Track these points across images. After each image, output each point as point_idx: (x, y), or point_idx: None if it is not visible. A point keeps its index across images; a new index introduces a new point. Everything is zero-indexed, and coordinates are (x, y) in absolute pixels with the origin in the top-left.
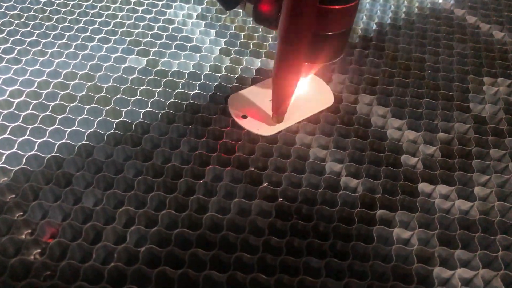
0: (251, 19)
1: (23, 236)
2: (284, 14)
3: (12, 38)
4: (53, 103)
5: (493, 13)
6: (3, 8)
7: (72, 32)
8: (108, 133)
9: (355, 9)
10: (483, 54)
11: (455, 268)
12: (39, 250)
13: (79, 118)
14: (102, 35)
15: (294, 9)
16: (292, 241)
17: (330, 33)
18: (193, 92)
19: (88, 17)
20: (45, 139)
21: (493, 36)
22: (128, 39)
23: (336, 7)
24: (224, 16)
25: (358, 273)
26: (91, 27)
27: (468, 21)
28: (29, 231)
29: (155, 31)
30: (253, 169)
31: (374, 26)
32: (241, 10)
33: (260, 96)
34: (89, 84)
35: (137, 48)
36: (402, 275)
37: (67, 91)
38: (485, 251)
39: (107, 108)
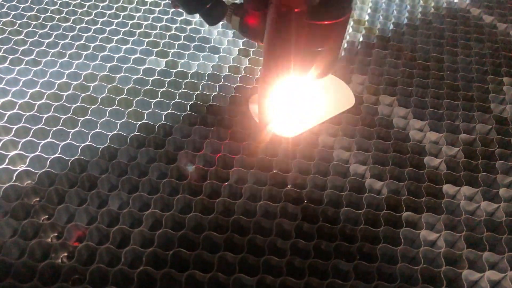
0: (238, 31)
1: (50, 240)
2: (268, 29)
3: (30, 40)
4: (74, 105)
5: (509, 13)
6: (20, 9)
7: (90, 33)
8: (131, 135)
9: (345, 24)
10: (502, 54)
11: (484, 270)
12: (66, 254)
13: (101, 120)
14: (120, 36)
15: (279, 24)
16: (320, 243)
17: (319, 49)
18: (213, 94)
19: (105, 18)
20: (68, 141)
21: (510, 36)
22: (146, 40)
23: (325, 22)
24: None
25: (386, 276)
26: (108, 28)
27: (484, 20)
28: (56, 234)
29: (172, 32)
30: (276, 171)
31: (391, 26)
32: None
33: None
34: (110, 86)
35: (156, 49)
36: (431, 277)
37: (88, 93)
38: None
39: (128, 110)
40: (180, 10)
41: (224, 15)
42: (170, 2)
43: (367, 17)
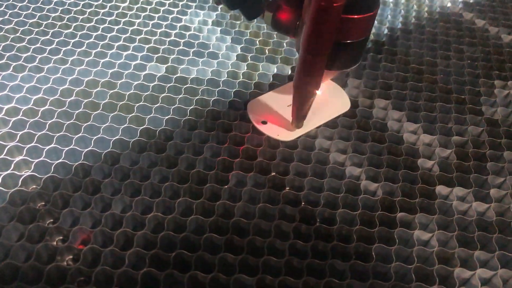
0: (264, 25)
1: (55, 243)
2: (308, 23)
3: (33, 47)
4: (77, 111)
5: (501, 16)
6: (22, 16)
7: (91, 40)
8: (132, 140)
9: (373, 18)
10: (493, 58)
11: (475, 268)
12: (71, 256)
13: (104, 125)
14: (120, 42)
15: (319, 19)
16: (317, 244)
17: (349, 41)
18: (212, 99)
19: (106, 24)
20: (71, 147)
21: (502, 39)
22: (147, 46)
23: (356, 16)
24: (239, 22)
25: (381, 275)
26: (109, 35)
27: (477, 24)
28: (61, 237)
29: (172, 38)
30: (274, 174)
31: (386, 31)
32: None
33: (278, 101)
34: (111, 91)
35: (156, 55)
36: (424, 276)
37: (90, 99)
38: (503, 252)
39: (130, 115)
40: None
41: (262, 11)
42: None
43: None
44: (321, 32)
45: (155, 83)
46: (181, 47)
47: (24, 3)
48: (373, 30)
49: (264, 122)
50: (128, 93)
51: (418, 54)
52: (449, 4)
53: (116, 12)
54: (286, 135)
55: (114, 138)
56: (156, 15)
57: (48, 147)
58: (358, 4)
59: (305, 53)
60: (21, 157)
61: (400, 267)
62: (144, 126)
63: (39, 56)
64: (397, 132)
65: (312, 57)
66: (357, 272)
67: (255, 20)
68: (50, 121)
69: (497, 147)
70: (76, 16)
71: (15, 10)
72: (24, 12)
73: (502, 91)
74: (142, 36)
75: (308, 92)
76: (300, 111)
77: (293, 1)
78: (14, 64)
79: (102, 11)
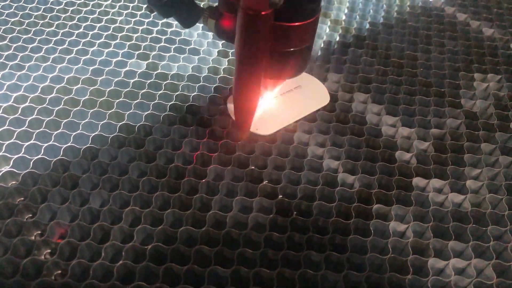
0: (214, 33)
1: (33, 237)
2: (238, 32)
3: (14, 45)
4: (57, 108)
5: (482, 10)
6: (4, 15)
7: (73, 38)
8: (112, 135)
9: (314, 25)
10: (473, 51)
11: (449, 258)
12: (49, 250)
13: (83, 122)
14: (102, 40)
15: (247, 28)
16: (293, 236)
17: (291, 49)
18: (193, 94)
19: (88, 22)
20: (51, 143)
21: (483, 33)
22: (128, 43)
23: (295, 24)
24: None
25: (356, 266)
26: (91, 32)
27: (458, 18)
28: (39, 232)
29: (154, 35)
30: (253, 167)
31: (367, 26)
32: (204, 25)
33: None
34: (92, 88)
35: (137, 52)
36: (399, 267)
37: (70, 96)
38: (477, 242)
39: (110, 111)
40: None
41: (199, 19)
42: (146, 6)
43: (344, 17)
44: (251, 41)
45: (136, 79)
46: (162, 44)
47: (7, 2)
48: (355, 25)
49: None
50: (108, 89)
51: (399, 48)
52: None
53: (99, 10)
54: (265, 129)
55: (94, 134)
56: (139, 13)
57: (27, 143)
58: (295, 11)
59: (238, 64)
60: (0, 153)
61: (375, 258)
62: (123, 122)
63: (21, 54)
64: (376, 125)
65: (245, 66)
66: (332, 263)
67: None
68: (30, 118)
69: (475, 139)
70: (59, 14)
71: None
72: (6, 11)
73: (482, 84)
74: (124, 33)
75: (248, 102)
76: (243, 121)
77: (234, 8)
78: None
79: (84, 9)
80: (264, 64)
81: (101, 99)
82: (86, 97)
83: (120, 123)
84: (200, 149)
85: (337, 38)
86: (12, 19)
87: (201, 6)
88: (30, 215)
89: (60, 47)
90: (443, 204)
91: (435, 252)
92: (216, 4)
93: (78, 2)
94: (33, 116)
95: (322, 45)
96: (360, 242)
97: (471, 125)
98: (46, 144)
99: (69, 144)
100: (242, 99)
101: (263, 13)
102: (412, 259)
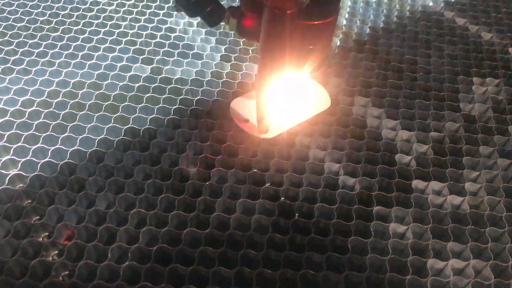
0: (236, 32)
1: (41, 239)
2: (263, 31)
3: (21, 50)
4: (63, 112)
5: (481, 15)
6: (11, 20)
7: (78, 42)
8: (117, 139)
9: (334, 23)
10: (472, 55)
11: (448, 259)
12: (56, 252)
13: (89, 125)
14: (107, 44)
15: (273, 25)
16: (295, 237)
17: (311, 47)
18: (196, 98)
19: (93, 27)
20: (57, 146)
21: (481, 37)
22: (132, 48)
23: (316, 22)
24: (223, 23)
25: (357, 266)
26: (96, 37)
27: (457, 23)
28: (47, 233)
29: (157, 39)
30: (256, 170)
31: (368, 30)
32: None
33: None
34: (97, 92)
35: (141, 57)
36: (398, 267)
37: (76, 100)
38: (476, 243)
39: (115, 115)
40: (183, 13)
41: (223, 18)
42: (174, 6)
43: (344, 22)
44: (276, 39)
45: (140, 83)
46: (166, 49)
47: (13, 7)
48: (356, 30)
49: (246, 121)
50: (113, 93)
51: (399, 52)
52: (430, 3)
53: (103, 15)
54: (267, 133)
55: (99, 138)
56: (142, 18)
57: (34, 147)
58: (318, 11)
59: (262, 59)
60: (8, 157)
61: (375, 258)
62: (128, 126)
63: (27, 59)
64: (376, 128)
65: (270, 62)
66: (333, 263)
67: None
68: (37, 122)
69: (473, 142)
70: (64, 19)
71: (4, 15)
72: (13, 16)
73: (480, 87)
74: (128, 38)
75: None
76: (262, 117)
77: (256, 7)
78: (2, 67)
79: (89, 14)
80: (286, 61)
81: (107, 103)
82: (92, 101)
83: (125, 127)
84: (204, 152)
85: (338, 43)
86: (19, 24)
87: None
88: (38, 217)
89: (65, 52)
90: (442, 206)
91: (434, 253)
92: (237, 4)
93: (83, 7)
94: (40, 120)
95: None
96: (360, 244)
97: (470, 128)
98: (53, 148)
99: (75, 147)
100: (265, 95)
101: (288, 11)
102: (411, 260)
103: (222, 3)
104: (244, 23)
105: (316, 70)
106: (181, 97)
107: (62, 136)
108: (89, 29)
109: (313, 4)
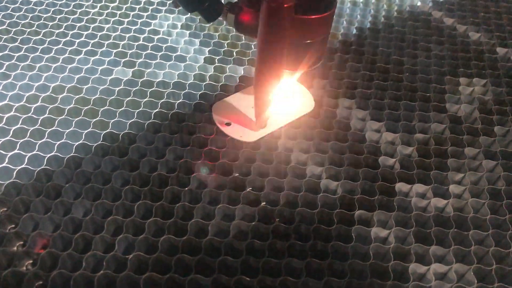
0: (234, 28)
1: (15, 248)
2: (261, 24)
3: (0, 54)
4: (42, 117)
5: (469, 15)
6: None
7: (60, 46)
8: (95, 144)
9: (331, 17)
10: (460, 55)
11: (430, 263)
12: (31, 261)
13: (67, 130)
14: (89, 47)
15: (271, 20)
16: (274, 243)
17: (309, 41)
18: (178, 102)
19: (75, 30)
20: (34, 152)
21: (469, 37)
22: (114, 51)
23: (313, 16)
24: (208, 25)
25: (338, 272)
26: (77, 40)
27: (445, 23)
28: (21, 243)
29: (140, 42)
30: (237, 174)
31: (354, 31)
32: (223, 20)
33: (243, 102)
34: (77, 97)
35: (123, 60)
36: (380, 272)
37: (55, 105)
38: (459, 246)
39: (94, 120)
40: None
41: (221, 13)
42: (172, 1)
43: None
44: (273, 33)
45: (121, 87)
46: (148, 51)
47: None
48: (342, 31)
49: (228, 124)
50: (93, 97)
51: (386, 53)
52: (419, 3)
53: (86, 17)
54: (249, 136)
55: (77, 143)
56: (126, 20)
57: (11, 153)
58: (314, 5)
59: (260, 54)
60: None
61: (356, 264)
62: (107, 130)
63: (7, 63)
64: (360, 131)
65: (267, 57)
66: (313, 269)
67: (224, 22)
68: (14, 127)
69: (459, 144)
70: (46, 22)
71: None
72: None
73: (467, 88)
74: (111, 41)
75: (268, 91)
76: (262, 111)
77: (254, 2)
78: None
79: (72, 17)
80: (284, 55)
81: (86, 107)
82: (71, 105)
83: (104, 132)
84: (184, 157)
85: None
86: (0, 27)
87: (222, 1)
88: (13, 226)
89: (46, 56)
90: (426, 209)
91: (416, 258)
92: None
93: (66, 9)
94: (18, 126)
95: None
96: (341, 248)
97: (456, 129)
98: (29, 154)
99: (53, 153)
100: (263, 90)
101: (285, 5)
102: (393, 265)
103: None
104: (242, 18)
105: (312, 66)
106: (163, 100)
107: (40, 142)
108: (71, 32)
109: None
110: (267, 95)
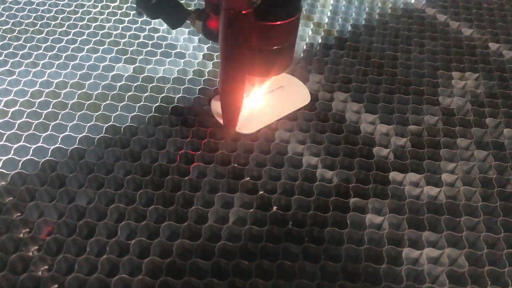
0: (202, 34)
1: (21, 235)
2: (221, 31)
3: (5, 52)
4: (46, 111)
5: (462, 11)
6: None
7: (62, 44)
8: (98, 136)
9: (296, 23)
10: (452, 50)
11: (423, 248)
12: (36, 247)
13: (71, 124)
14: (90, 45)
15: (230, 27)
16: (272, 229)
17: (275, 47)
18: (177, 96)
19: (77, 29)
20: (39, 144)
21: (462, 33)
22: (116, 48)
23: (277, 23)
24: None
25: (333, 257)
26: (80, 38)
27: (438, 19)
28: (27, 229)
29: (141, 39)
30: (235, 165)
31: (349, 28)
32: (192, 26)
33: None
34: (80, 92)
35: (124, 57)
36: (374, 257)
37: (59, 99)
38: (451, 232)
39: (97, 113)
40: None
41: (185, 20)
42: (135, 8)
43: (327, 20)
44: (233, 39)
45: (122, 82)
46: (149, 48)
47: None
48: (337, 28)
49: None
50: (95, 92)
51: (380, 49)
52: (412, 1)
53: (88, 17)
54: (247, 128)
55: (81, 135)
56: (126, 19)
57: (16, 145)
58: (277, 11)
59: (223, 61)
60: None
61: (351, 249)
62: (110, 123)
63: (11, 60)
64: (355, 123)
65: (230, 63)
66: (310, 254)
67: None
68: (19, 121)
69: (451, 135)
70: (49, 21)
71: None
72: None
73: (459, 82)
74: (112, 39)
75: (234, 98)
76: (229, 118)
77: (219, 10)
78: None
79: (74, 16)
80: (247, 61)
81: (89, 102)
82: (74, 100)
83: (107, 125)
84: (184, 148)
85: (319, 40)
86: (4, 27)
87: (188, 8)
88: (19, 214)
89: (49, 53)
90: (419, 197)
91: (409, 243)
92: (203, 7)
93: (68, 9)
94: (23, 119)
95: (304, 47)
96: (337, 234)
97: (448, 121)
98: (34, 146)
99: (57, 145)
100: (228, 97)
101: (243, 12)
102: (387, 249)
103: (193, 4)
104: (209, 25)
105: (281, 71)
106: (163, 95)
107: (44, 134)
108: (73, 31)
109: (269, 5)
110: (233, 102)
